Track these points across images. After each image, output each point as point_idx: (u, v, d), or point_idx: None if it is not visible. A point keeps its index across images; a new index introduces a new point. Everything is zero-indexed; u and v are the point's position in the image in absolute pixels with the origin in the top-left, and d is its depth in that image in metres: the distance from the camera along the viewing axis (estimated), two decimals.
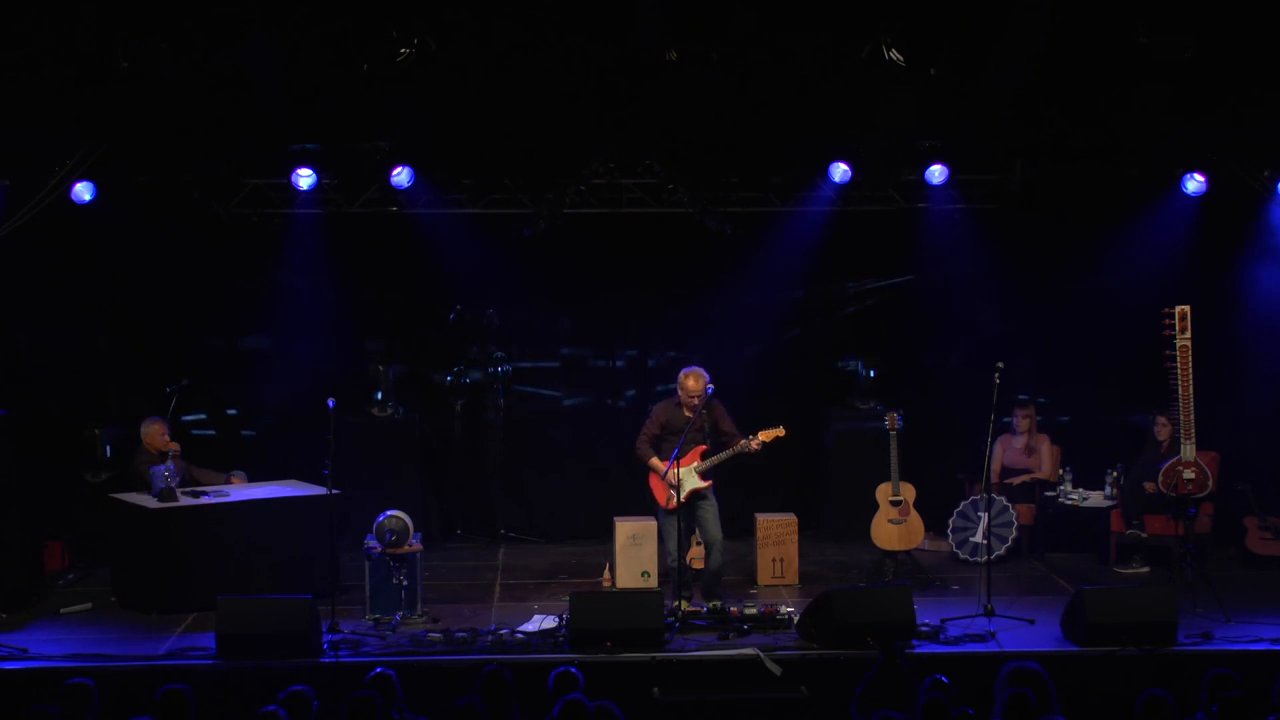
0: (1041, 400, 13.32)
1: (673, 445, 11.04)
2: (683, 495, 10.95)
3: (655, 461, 11.13)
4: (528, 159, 12.81)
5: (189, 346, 13.54)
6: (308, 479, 11.78)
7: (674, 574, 10.99)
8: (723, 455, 11.06)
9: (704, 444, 11.08)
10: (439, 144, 12.55)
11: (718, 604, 10.78)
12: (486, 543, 13.60)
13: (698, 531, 11.32)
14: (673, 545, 11.04)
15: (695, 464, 11.04)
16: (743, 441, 10.99)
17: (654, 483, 11.19)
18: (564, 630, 10.17)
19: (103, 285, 13.18)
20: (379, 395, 13.42)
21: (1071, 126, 12.46)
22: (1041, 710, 7.55)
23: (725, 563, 11.54)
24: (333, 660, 9.78)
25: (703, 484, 11.09)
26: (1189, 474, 11.15)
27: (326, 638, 10.09)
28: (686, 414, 11.11)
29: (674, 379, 11.37)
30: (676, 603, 10.52)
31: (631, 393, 13.99)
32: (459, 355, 13.86)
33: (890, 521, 11.90)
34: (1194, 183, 12.67)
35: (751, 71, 11.77)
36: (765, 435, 10.98)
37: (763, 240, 13.37)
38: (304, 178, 12.60)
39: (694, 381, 11.06)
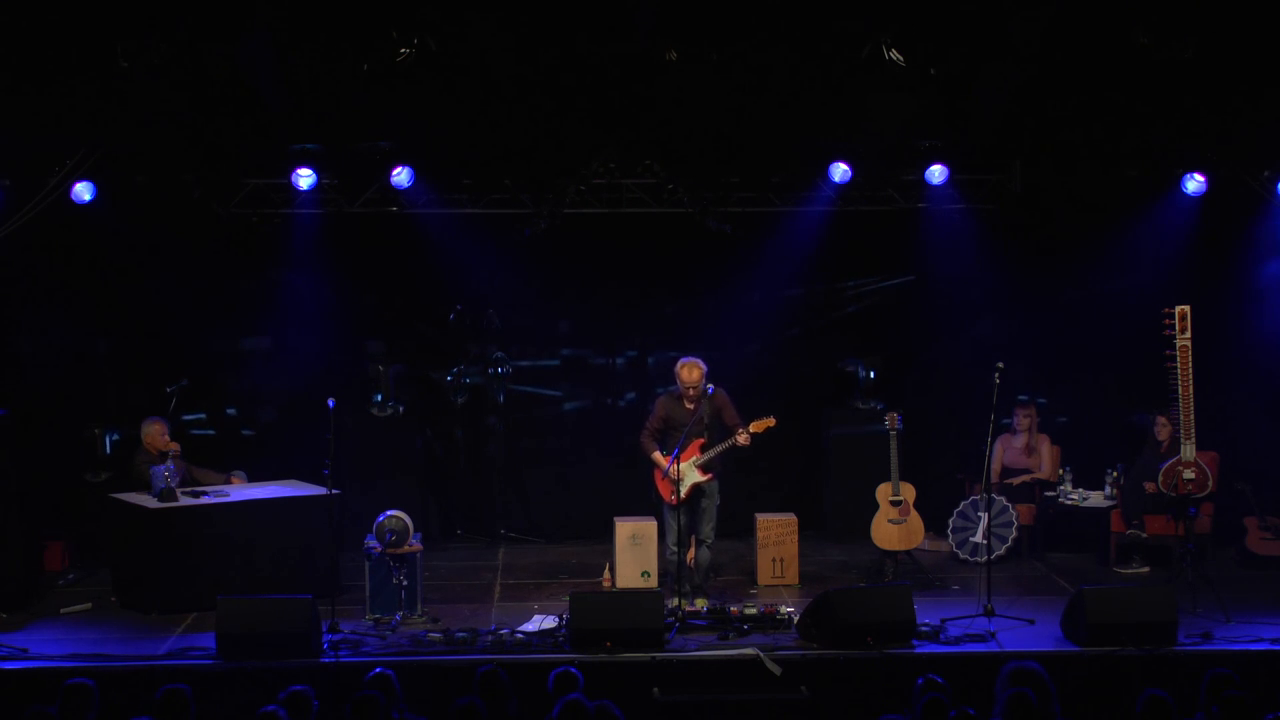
0: (1041, 400, 13.32)
1: (673, 439, 11.06)
2: (685, 490, 10.98)
3: (657, 456, 11.15)
4: (528, 159, 12.81)
5: (189, 346, 13.51)
6: (308, 479, 11.78)
7: (672, 569, 11.02)
8: (719, 448, 11.08)
9: (703, 437, 11.07)
10: (439, 144, 12.54)
11: (704, 602, 10.78)
12: (486, 543, 13.59)
13: (695, 526, 11.33)
14: (673, 540, 11.06)
15: (695, 458, 11.07)
16: (735, 435, 10.99)
17: (658, 478, 11.20)
18: (564, 630, 10.17)
19: (103, 285, 13.17)
20: (379, 395, 13.42)
21: (1071, 127, 12.45)
22: (1042, 710, 7.55)
23: (718, 563, 11.65)
24: (333, 660, 9.78)
25: (703, 477, 11.11)
26: (1189, 474, 11.15)
27: (326, 638, 10.09)
28: (688, 406, 11.13)
29: (674, 379, 11.37)
30: (675, 601, 10.53)
31: (631, 393, 13.99)
32: (459, 355, 13.86)
33: (890, 521, 11.90)
34: (1194, 183, 12.67)
35: (751, 71, 11.77)
36: (756, 426, 11.01)
37: (763, 240, 13.38)
38: (304, 178, 12.59)
39: (688, 372, 11.09)
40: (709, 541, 11.20)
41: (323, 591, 10.69)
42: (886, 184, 13.18)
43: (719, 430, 11.15)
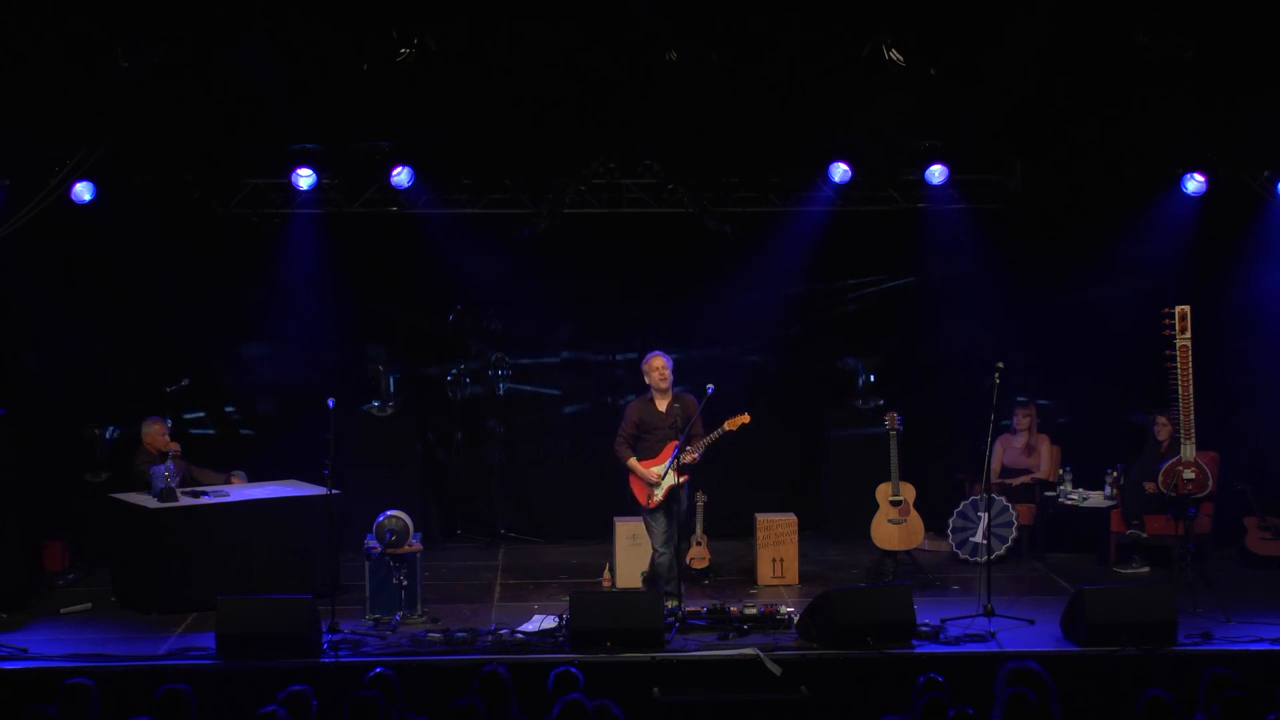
0: (1041, 400, 13.32)
1: (649, 443, 11.13)
2: (661, 494, 11.00)
3: (634, 462, 11.16)
4: (528, 159, 12.81)
5: (189, 346, 13.52)
6: (308, 479, 11.78)
7: (663, 569, 11.04)
8: (708, 439, 11.07)
9: (676, 440, 11.07)
10: (439, 144, 12.54)
11: (675, 601, 10.76)
12: (486, 543, 13.59)
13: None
14: (658, 543, 11.08)
15: (671, 461, 11.06)
16: (694, 444, 11.05)
17: (634, 483, 11.21)
18: (564, 630, 10.17)
19: (103, 285, 13.17)
20: (379, 395, 13.42)
21: (1071, 126, 12.46)
22: (1042, 710, 7.54)
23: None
24: (333, 660, 9.79)
25: (680, 480, 11.10)
26: (1189, 474, 11.15)
27: (326, 638, 10.09)
28: (660, 408, 11.14)
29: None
30: (672, 603, 10.55)
31: (631, 393, 13.96)
32: (459, 355, 13.86)
33: (890, 521, 11.90)
34: (1194, 183, 12.67)
35: (751, 71, 11.77)
36: (731, 424, 11.00)
37: (763, 240, 13.37)
38: (304, 178, 12.60)
39: (660, 362, 11.14)
40: (680, 543, 11.22)
41: (323, 591, 10.70)
42: (886, 184, 13.18)
43: (687, 432, 11.16)
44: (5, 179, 12.13)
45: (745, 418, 11.04)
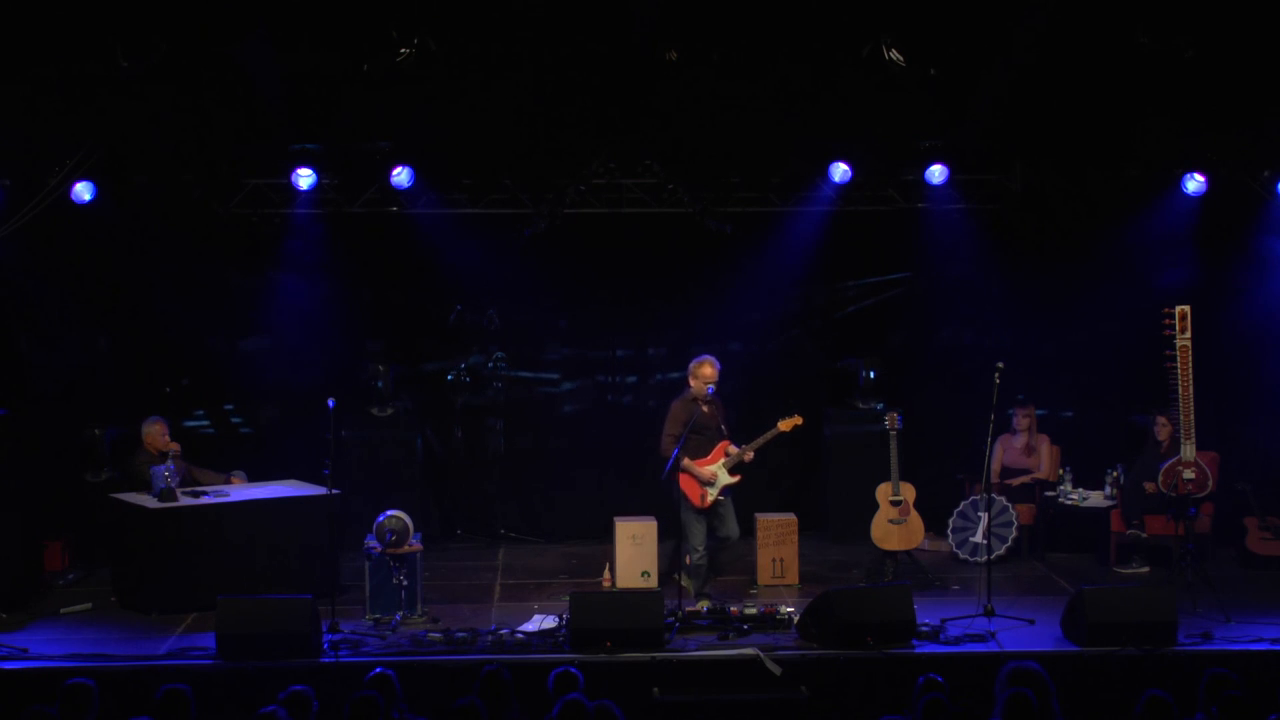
0: (1041, 400, 13.31)
1: (697, 444, 11.22)
2: (716, 493, 11.19)
3: (689, 461, 11.19)
4: (528, 159, 12.81)
5: (189, 346, 13.53)
6: (308, 479, 11.78)
7: (702, 569, 11.15)
8: (759, 441, 11.18)
9: (722, 440, 11.15)
10: (439, 144, 12.54)
11: (706, 602, 10.82)
12: (486, 543, 13.60)
13: (718, 527, 11.38)
14: (698, 542, 11.19)
15: (723, 460, 11.21)
16: (737, 449, 11.21)
17: (686, 482, 11.21)
18: (564, 630, 10.18)
19: (103, 285, 13.18)
20: (379, 395, 13.42)
21: (1071, 127, 12.45)
22: (1042, 710, 7.54)
23: (718, 563, 11.87)
24: (333, 660, 9.79)
25: (733, 479, 11.24)
26: (1189, 474, 11.15)
27: (326, 638, 10.09)
28: (704, 408, 11.18)
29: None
30: (701, 605, 10.65)
31: (631, 393, 14.00)
32: (459, 355, 13.86)
33: (890, 521, 11.90)
34: (1194, 183, 12.68)
35: (751, 71, 11.78)
36: (785, 424, 11.19)
37: (763, 240, 13.38)
38: (304, 178, 12.60)
39: (710, 368, 11.21)
40: (735, 537, 11.44)
41: (323, 591, 10.70)
42: (886, 184, 13.18)
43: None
44: (5, 179, 12.14)
45: (798, 419, 11.22)
